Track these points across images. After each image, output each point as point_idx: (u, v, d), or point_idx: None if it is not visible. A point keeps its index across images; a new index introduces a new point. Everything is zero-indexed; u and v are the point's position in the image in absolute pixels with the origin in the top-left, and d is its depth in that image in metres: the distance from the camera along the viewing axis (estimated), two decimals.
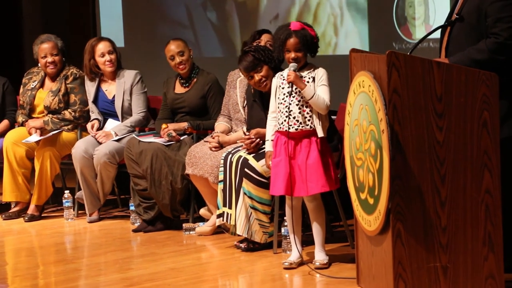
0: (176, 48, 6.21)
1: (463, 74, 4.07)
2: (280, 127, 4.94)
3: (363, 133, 4.23)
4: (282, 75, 5.01)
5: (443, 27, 4.52)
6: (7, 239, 6.23)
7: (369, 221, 4.22)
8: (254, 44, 5.76)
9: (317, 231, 5.01)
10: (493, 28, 4.28)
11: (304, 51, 4.91)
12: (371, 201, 4.19)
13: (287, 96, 4.90)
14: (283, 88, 4.95)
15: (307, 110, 4.90)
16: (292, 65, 4.89)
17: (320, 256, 5.01)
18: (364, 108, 4.20)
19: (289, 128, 4.90)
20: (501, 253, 4.16)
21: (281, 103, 4.95)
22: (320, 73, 4.91)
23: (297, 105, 4.90)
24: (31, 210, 6.65)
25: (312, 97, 4.84)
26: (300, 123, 4.90)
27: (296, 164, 4.91)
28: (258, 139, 5.44)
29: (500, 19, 4.27)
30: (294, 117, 4.90)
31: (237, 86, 5.93)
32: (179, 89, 6.33)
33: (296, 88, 4.88)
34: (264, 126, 5.43)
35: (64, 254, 5.80)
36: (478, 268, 4.13)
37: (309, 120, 4.90)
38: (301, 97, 4.89)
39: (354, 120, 4.34)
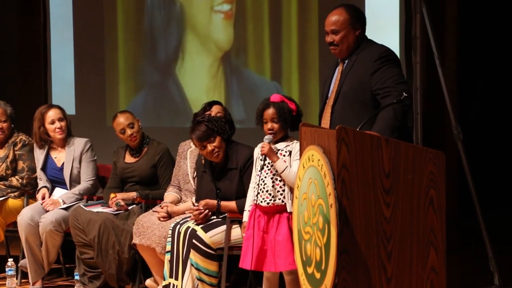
0: (126, 121, 6.21)
1: (411, 151, 4.12)
2: (254, 200, 4.96)
3: (312, 207, 4.24)
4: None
5: (324, 103, 4.89)
6: None
7: None
8: (207, 114, 5.78)
9: None
10: (388, 96, 4.61)
11: (281, 122, 4.95)
12: (317, 275, 4.18)
13: (261, 169, 4.92)
14: (261, 160, 4.96)
15: (281, 184, 4.92)
16: (267, 138, 4.93)
17: None
18: (313, 182, 4.22)
19: (261, 202, 4.91)
20: None
21: (257, 175, 4.96)
22: (298, 147, 4.89)
23: (271, 178, 4.92)
24: None
25: (284, 170, 4.87)
26: (273, 197, 4.91)
27: (268, 238, 4.92)
28: (207, 210, 5.43)
29: (393, 86, 4.66)
30: (267, 191, 4.91)
31: (187, 156, 5.94)
32: (129, 158, 6.32)
33: (270, 162, 4.91)
34: (213, 198, 5.45)
35: None
36: None
37: (281, 195, 4.91)
38: (276, 170, 4.91)
39: (302, 194, 4.36)
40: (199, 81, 7.89)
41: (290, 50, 7.39)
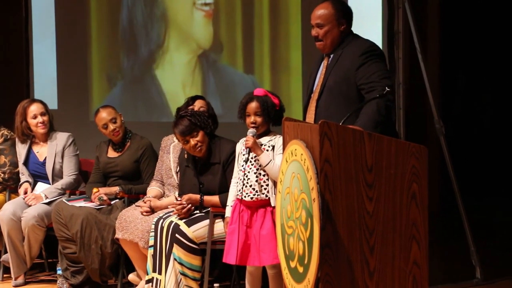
0: (108, 116, 6.20)
1: (394, 146, 4.14)
2: (238, 194, 4.95)
3: (295, 201, 4.25)
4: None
5: (309, 97, 4.89)
6: None
7: None
8: (189, 109, 5.77)
9: None
10: (372, 91, 4.62)
11: (264, 116, 4.96)
12: (300, 269, 4.19)
13: (245, 163, 4.92)
14: (244, 155, 4.96)
15: (264, 178, 4.92)
16: (251, 131, 4.93)
17: None
18: (296, 177, 4.23)
19: (244, 197, 4.91)
20: None
21: (240, 170, 4.96)
22: (281, 142, 4.90)
23: (255, 173, 4.92)
24: None
25: (268, 164, 4.86)
26: (256, 191, 4.91)
27: (251, 233, 4.92)
28: (190, 205, 5.43)
29: (377, 81, 4.65)
30: (250, 185, 4.91)
31: (170, 151, 5.93)
32: (111, 153, 6.30)
33: (254, 156, 4.90)
34: (196, 192, 5.45)
35: None
36: None
37: (265, 189, 4.91)
38: (259, 165, 4.91)
39: (285, 188, 4.36)
40: (176, 76, 7.88)
41: (268, 47, 7.39)
